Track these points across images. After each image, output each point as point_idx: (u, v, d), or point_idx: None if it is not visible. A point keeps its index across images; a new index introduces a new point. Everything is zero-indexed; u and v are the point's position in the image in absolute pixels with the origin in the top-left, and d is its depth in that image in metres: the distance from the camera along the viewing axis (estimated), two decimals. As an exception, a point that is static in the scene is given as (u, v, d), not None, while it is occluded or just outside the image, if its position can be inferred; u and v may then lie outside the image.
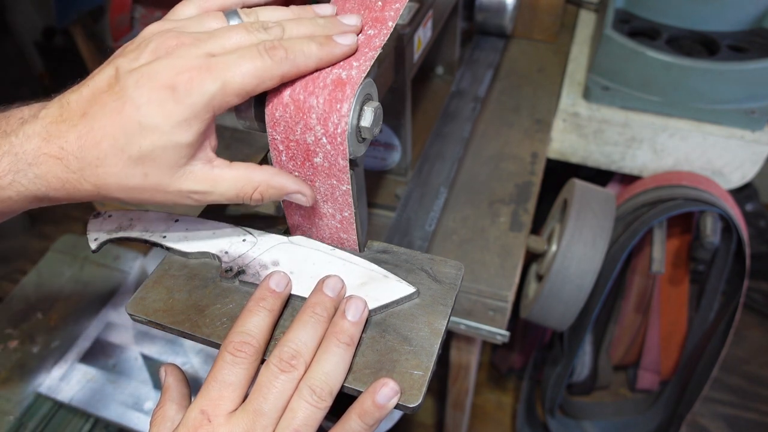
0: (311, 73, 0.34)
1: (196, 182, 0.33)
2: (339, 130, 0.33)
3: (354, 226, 0.39)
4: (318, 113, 0.33)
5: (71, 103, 0.32)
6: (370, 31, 0.36)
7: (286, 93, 0.34)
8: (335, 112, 0.33)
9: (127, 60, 0.32)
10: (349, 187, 0.36)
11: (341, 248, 0.41)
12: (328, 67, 0.34)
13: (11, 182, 0.31)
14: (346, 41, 0.34)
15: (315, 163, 0.35)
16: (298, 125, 0.34)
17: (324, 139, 0.34)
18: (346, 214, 0.38)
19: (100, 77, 0.32)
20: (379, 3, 0.37)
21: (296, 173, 0.37)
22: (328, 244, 0.41)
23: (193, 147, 0.32)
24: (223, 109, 0.32)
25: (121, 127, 0.31)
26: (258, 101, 0.35)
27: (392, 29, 0.36)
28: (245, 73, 0.31)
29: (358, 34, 0.36)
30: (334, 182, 0.36)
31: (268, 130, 0.35)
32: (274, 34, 0.34)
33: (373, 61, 0.34)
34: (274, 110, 0.34)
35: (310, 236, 0.42)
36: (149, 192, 0.33)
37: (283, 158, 0.36)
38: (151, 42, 0.32)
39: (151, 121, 0.30)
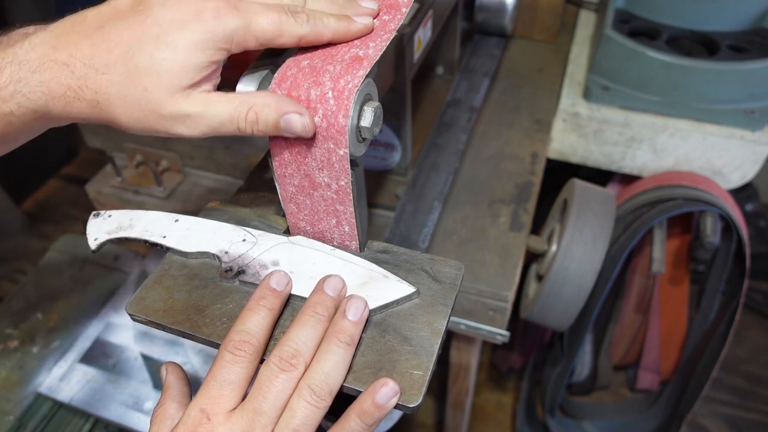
0: (327, 46, 0.36)
1: (190, 104, 0.33)
2: (350, 86, 0.33)
3: (351, 197, 0.37)
4: (332, 74, 0.34)
5: (88, 18, 0.33)
6: (385, 17, 0.38)
7: (305, 61, 0.35)
8: (350, 74, 0.34)
9: None
10: (347, 151, 0.35)
11: (341, 248, 0.41)
12: (345, 43, 0.36)
13: (13, 93, 0.32)
14: (362, 21, 0.37)
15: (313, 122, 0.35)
16: (307, 81, 0.34)
17: (330, 93, 0.33)
18: (342, 183, 0.37)
19: None
20: None
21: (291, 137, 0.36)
22: (324, 218, 0.40)
23: (201, 72, 0.32)
24: (240, 48, 0.33)
25: (138, 37, 0.31)
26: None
27: (405, 15, 0.38)
28: (270, 21, 0.33)
29: (374, 18, 0.38)
30: (331, 146, 0.35)
31: (272, 86, 0.35)
32: (297, 2, 0.36)
33: (389, 42, 0.36)
34: (287, 70, 0.35)
35: (303, 211, 0.40)
36: (144, 111, 0.32)
37: None
38: None
39: (170, 36, 0.31)
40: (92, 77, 0.32)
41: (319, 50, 0.36)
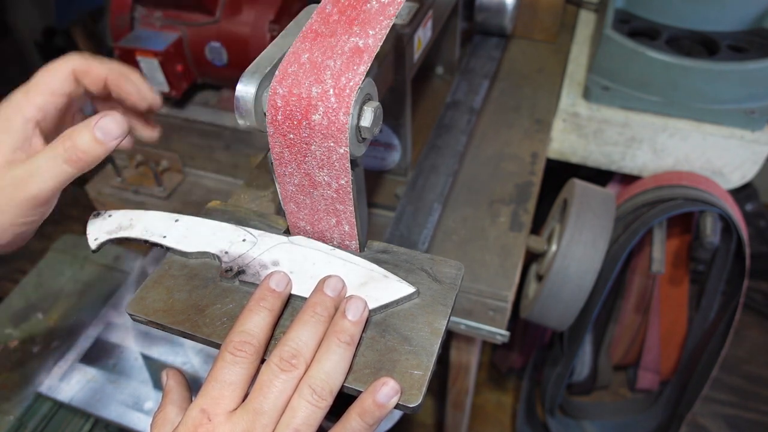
0: (325, 34, 0.35)
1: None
2: (351, 83, 0.33)
3: (350, 196, 0.37)
4: (333, 71, 0.34)
5: None
6: (384, 0, 0.37)
7: (305, 55, 0.35)
8: (351, 70, 0.33)
9: None
10: (347, 149, 0.34)
11: (341, 248, 0.41)
12: (344, 31, 0.35)
13: None
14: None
15: (313, 121, 0.34)
16: (308, 79, 0.34)
17: (331, 90, 0.33)
18: (343, 182, 0.36)
19: None
20: None
21: (291, 135, 0.36)
22: (323, 217, 0.40)
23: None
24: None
25: None
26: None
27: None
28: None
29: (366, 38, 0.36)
30: (332, 144, 0.34)
31: (273, 84, 0.35)
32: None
33: (389, 29, 0.35)
34: (288, 66, 0.35)
35: (303, 210, 0.40)
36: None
37: (279, 117, 0.35)
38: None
39: None
40: None
41: (318, 40, 0.35)
